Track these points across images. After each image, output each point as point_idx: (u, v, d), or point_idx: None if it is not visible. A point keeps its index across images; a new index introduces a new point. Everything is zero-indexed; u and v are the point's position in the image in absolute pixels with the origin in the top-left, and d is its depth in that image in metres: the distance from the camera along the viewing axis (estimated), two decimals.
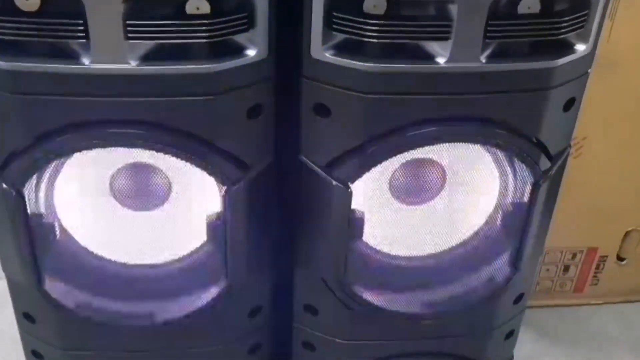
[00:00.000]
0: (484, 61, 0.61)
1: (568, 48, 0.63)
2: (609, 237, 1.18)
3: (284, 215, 0.74)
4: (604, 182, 1.10)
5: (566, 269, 1.21)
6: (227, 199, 0.66)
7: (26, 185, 0.64)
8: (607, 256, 1.20)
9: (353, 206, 0.67)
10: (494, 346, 0.83)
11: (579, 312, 1.23)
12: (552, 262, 1.19)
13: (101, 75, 0.58)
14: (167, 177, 0.68)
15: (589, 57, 0.65)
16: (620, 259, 1.21)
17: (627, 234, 1.18)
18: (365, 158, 0.65)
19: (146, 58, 0.59)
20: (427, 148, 0.67)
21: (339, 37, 0.61)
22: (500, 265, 0.75)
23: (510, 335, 0.84)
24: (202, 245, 0.73)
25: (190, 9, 0.57)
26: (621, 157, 1.09)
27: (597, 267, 1.21)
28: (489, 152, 0.69)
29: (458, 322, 0.79)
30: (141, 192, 0.69)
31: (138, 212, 0.70)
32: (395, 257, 0.75)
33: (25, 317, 0.76)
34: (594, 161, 1.07)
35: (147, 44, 0.59)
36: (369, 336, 0.79)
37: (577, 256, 1.19)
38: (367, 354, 0.80)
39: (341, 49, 0.61)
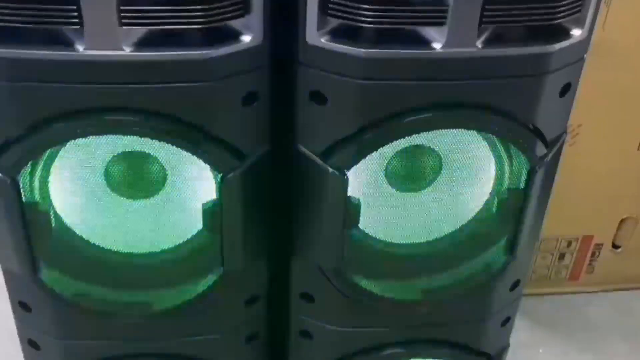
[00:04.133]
0: (480, 46, 0.61)
1: (564, 33, 0.63)
2: (604, 224, 1.19)
3: (280, 203, 0.73)
4: (599, 170, 1.10)
5: (561, 257, 1.21)
6: (222, 186, 0.66)
7: (21, 174, 0.63)
8: (602, 244, 1.21)
9: (349, 193, 0.67)
10: (491, 333, 0.83)
11: (575, 300, 1.24)
12: (548, 250, 1.19)
13: (95, 61, 0.58)
14: (162, 164, 0.68)
15: (585, 42, 0.65)
16: (615, 246, 1.21)
17: (622, 221, 1.18)
18: (361, 145, 0.65)
19: (141, 44, 0.58)
20: (423, 134, 0.67)
21: (335, 22, 0.60)
22: (496, 252, 0.75)
23: (507, 322, 0.85)
24: (198, 234, 0.72)
25: None
26: (616, 144, 1.09)
27: (593, 255, 1.22)
28: (485, 138, 0.69)
29: (455, 309, 0.79)
30: (136, 180, 0.68)
31: (133, 200, 0.70)
32: (391, 245, 0.75)
33: (21, 306, 0.75)
34: (589, 149, 1.07)
35: (142, 30, 0.58)
36: (366, 324, 0.79)
37: (572, 244, 1.20)
38: (364, 342, 0.81)
39: (337, 35, 0.61)
